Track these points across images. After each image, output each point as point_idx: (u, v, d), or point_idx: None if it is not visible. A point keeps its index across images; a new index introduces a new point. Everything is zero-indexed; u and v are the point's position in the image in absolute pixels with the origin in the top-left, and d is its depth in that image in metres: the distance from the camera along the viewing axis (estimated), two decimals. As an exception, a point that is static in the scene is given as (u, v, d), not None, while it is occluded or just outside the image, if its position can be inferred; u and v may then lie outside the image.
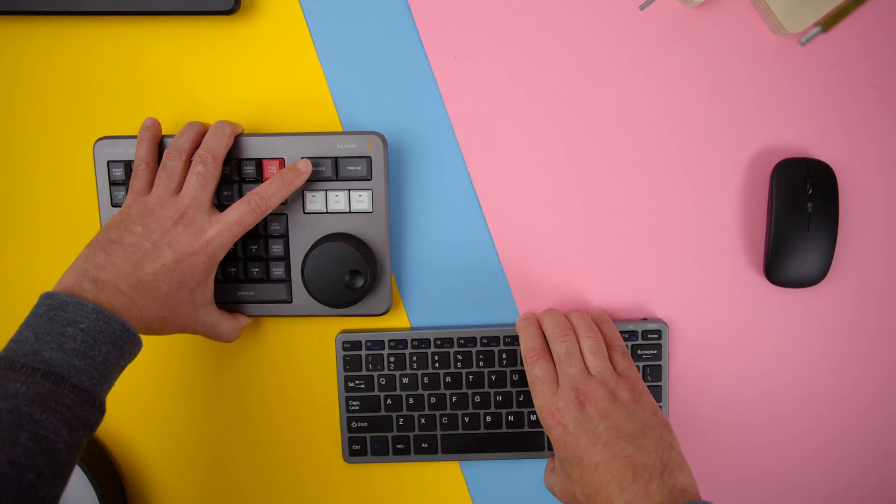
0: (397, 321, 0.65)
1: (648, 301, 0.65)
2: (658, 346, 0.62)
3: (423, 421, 0.63)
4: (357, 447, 0.63)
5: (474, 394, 0.63)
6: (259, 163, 0.59)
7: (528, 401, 0.63)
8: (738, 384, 0.65)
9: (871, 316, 0.64)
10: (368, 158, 0.59)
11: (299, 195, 0.60)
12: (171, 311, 0.52)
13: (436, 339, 0.62)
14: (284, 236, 0.60)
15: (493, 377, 0.63)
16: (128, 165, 0.60)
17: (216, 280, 0.60)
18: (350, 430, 0.63)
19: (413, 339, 0.62)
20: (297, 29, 0.62)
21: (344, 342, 0.63)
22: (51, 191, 0.64)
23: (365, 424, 0.63)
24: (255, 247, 0.60)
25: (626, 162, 0.64)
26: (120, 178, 0.60)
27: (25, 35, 0.63)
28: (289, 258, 0.61)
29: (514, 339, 0.62)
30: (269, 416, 0.66)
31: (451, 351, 0.62)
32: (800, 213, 0.60)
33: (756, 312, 0.64)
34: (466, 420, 0.63)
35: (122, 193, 0.60)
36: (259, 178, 0.59)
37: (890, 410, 0.65)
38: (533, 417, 0.63)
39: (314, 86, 0.63)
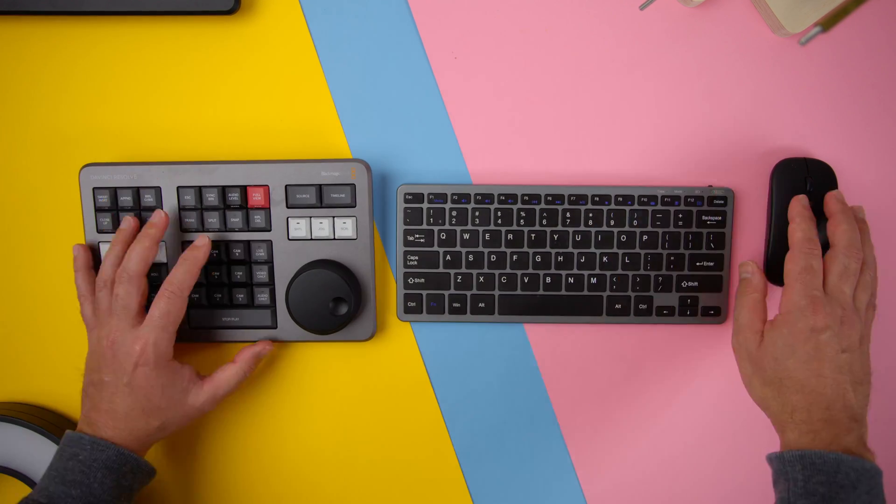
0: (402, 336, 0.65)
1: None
2: (723, 213, 0.61)
3: (481, 279, 0.62)
4: (413, 304, 0.63)
5: (535, 253, 0.62)
6: (244, 190, 0.60)
7: (589, 262, 0.62)
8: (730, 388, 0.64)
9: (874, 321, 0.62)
10: (352, 186, 0.59)
11: (283, 221, 0.60)
12: (160, 421, 0.56)
13: (500, 195, 0.61)
14: (269, 262, 0.61)
15: (556, 237, 0.62)
16: (113, 193, 0.60)
17: (200, 305, 0.62)
18: (407, 286, 0.62)
19: (476, 194, 0.61)
20: (297, 29, 0.62)
21: (406, 194, 0.61)
22: (48, 190, 0.64)
23: (422, 281, 0.62)
24: (241, 273, 0.61)
25: (626, 163, 0.64)
26: (105, 204, 0.60)
27: (25, 35, 0.63)
28: (273, 284, 0.61)
29: (580, 199, 0.61)
30: (274, 415, 0.66)
31: (515, 207, 0.61)
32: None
33: None
34: (525, 280, 0.62)
35: (107, 220, 0.61)
36: (244, 205, 0.60)
37: (890, 414, 0.64)
38: (594, 280, 0.62)
39: (314, 86, 0.63)
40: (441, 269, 0.62)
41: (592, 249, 0.62)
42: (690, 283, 0.62)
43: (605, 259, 0.62)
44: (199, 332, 0.63)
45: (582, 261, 0.62)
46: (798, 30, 0.59)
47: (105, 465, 0.52)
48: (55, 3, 0.59)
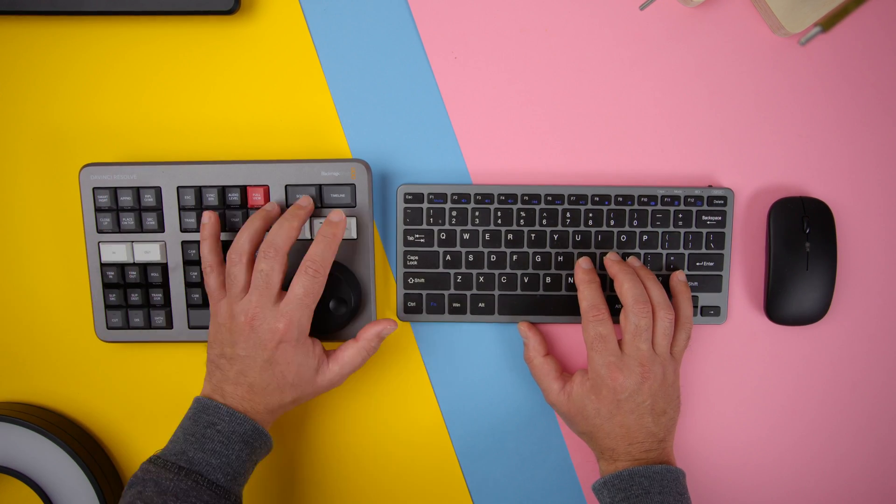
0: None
1: None
2: (723, 213, 0.61)
3: (481, 279, 0.62)
4: (413, 304, 0.62)
5: (535, 253, 0.62)
6: (244, 190, 0.60)
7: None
8: (739, 423, 0.65)
9: (873, 352, 0.64)
10: (353, 186, 0.59)
11: None
12: (293, 397, 0.56)
13: (499, 195, 0.61)
14: None
15: (556, 237, 0.62)
16: (113, 193, 0.60)
17: (198, 305, 0.61)
18: (406, 286, 0.62)
19: (476, 194, 0.61)
20: (297, 29, 0.62)
21: (406, 194, 0.61)
22: (48, 189, 0.64)
23: (422, 281, 0.62)
24: None
25: (626, 163, 0.64)
26: (105, 204, 0.60)
27: (25, 35, 0.63)
28: None
29: (580, 199, 0.61)
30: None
31: (515, 207, 0.61)
32: (798, 253, 0.61)
33: (756, 348, 0.64)
34: (526, 280, 0.62)
35: (108, 220, 0.60)
36: (244, 205, 0.60)
37: (891, 449, 0.64)
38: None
39: (314, 86, 0.63)
40: (441, 269, 0.62)
41: (592, 249, 0.62)
42: (690, 283, 0.62)
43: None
44: (199, 331, 0.62)
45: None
46: (798, 30, 0.59)
47: (242, 439, 0.53)
48: (55, 3, 0.59)
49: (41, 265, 0.64)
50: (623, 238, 0.62)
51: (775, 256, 0.61)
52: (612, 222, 0.61)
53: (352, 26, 0.62)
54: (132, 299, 0.61)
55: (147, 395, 0.66)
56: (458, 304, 0.62)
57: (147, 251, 0.60)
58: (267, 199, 0.60)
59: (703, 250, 0.62)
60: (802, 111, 0.62)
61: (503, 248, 0.62)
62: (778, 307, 0.61)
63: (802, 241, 0.61)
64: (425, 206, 0.61)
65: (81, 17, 0.62)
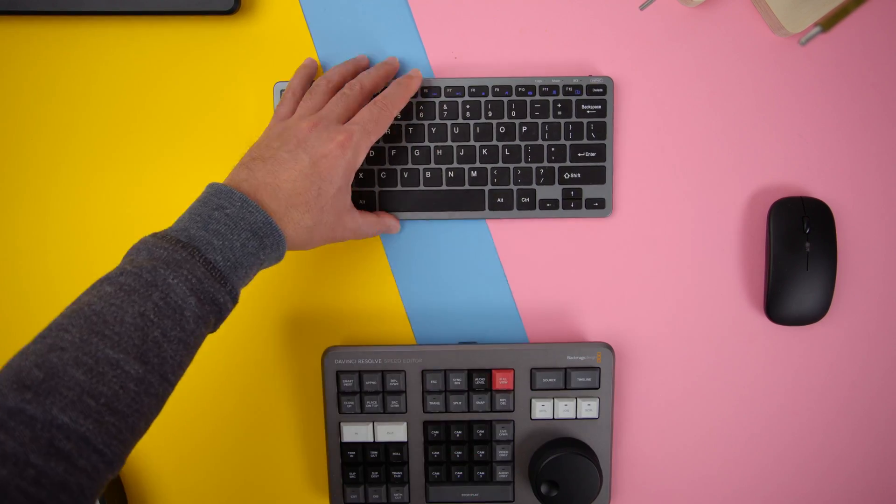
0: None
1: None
2: (603, 102, 0.60)
3: (360, 175, 0.60)
4: None
5: (414, 147, 0.60)
6: (489, 374, 0.60)
7: (468, 156, 0.60)
8: (736, 419, 0.64)
9: (873, 352, 0.63)
10: (598, 369, 0.60)
11: (527, 403, 0.60)
12: (314, 219, 0.51)
13: None
14: (511, 441, 0.61)
15: (434, 130, 0.60)
16: (358, 377, 0.60)
17: (440, 482, 0.61)
18: None
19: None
20: (297, 29, 0.62)
21: (282, 91, 0.60)
22: (50, 189, 0.64)
23: None
24: (483, 452, 0.61)
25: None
26: (350, 388, 0.60)
27: (26, 35, 0.62)
28: (513, 461, 0.61)
29: (456, 90, 0.60)
30: (256, 408, 0.65)
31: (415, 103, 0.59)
32: (798, 252, 0.60)
33: (756, 349, 0.63)
34: (405, 176, 0.60)
35: (352, 403, 0.60)
36: (488, 388, 0.60)
37: (890, 449, 0.64)
38: (474, 174, 0.60)
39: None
40: None
41: (472, 142, 0.60)
42: (573, 175, 0.60)
43: (484, 152, 0.60)
44: None
45: (461, 154, 0.60)
46: (798, 30, 0.58)
47: (251, 228, 0.48)
48: (55, 2, 0.59)
49: (43, 264, 0.63)
50: (502, 130, 0.60)
51: (775, 256, 0.60)
52: (489, 114, 0.60)
53: (352, 26, 0.62)
54: (372, 476, 0.61)
55: None
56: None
57: (390, 432, 0.61)
58: (512, 384, 0.60)
59: (585, 141, 0.60)
60: (802, 111, 0.62)
61: (381, 143, 0.60)
62: (778, 307, 0.61)
63: (803, 241, 0.60)
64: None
65: (80, 17, 0.62)
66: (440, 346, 0.60)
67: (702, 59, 0.61)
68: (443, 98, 0.60)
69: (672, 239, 0.63)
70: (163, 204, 0.63)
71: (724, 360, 0.64)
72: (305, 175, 0.50)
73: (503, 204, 0.61)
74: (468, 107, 0.60)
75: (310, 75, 0.59)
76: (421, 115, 0.60)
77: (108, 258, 0.64)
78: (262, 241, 0.48)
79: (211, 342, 0.64)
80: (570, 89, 0.60)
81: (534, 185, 0.60)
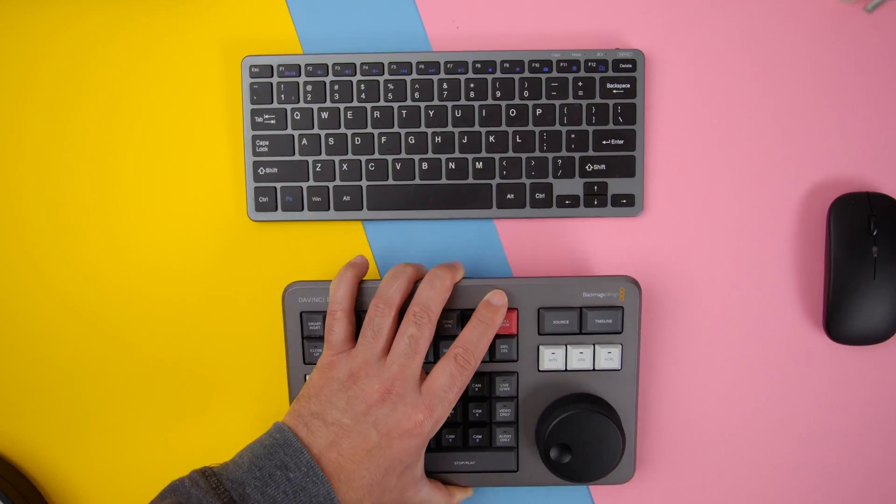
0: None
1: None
2: (632, 80, 0.56)
3: (345, 167, 0.56)
4: (265, 200, 0.57)
5: (408, 134, 0.56)
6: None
7: (473, 143, 0.57)
8: (789, 453, 0.60)
9: None
10: (621, 309, 0.55)
11: (534, 350, 0.55)
12: (374, 499, 0.48)
13: (363, 65, 0.55)
14: (514, 398, 0.56)
15: (431, 113, 0.56)
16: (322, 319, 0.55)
17: (427, 449, 0.56)
18: (257, 177, 0.56)
19: (336, 64, 0.55)
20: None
21: (251, 66, 0.56)
22: (44, 179, 0.59)
23: (274, 171, 0.56)
24: (479, 411, 0.56)
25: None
26: (316, 332, 0.55)
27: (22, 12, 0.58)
28: (517, 423, 0.56)
29: (458, 66, 0.56)
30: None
31: (381, 79, 0.56)
32: (863, 258, 0.56)
33: (814, 372, 0.60)
34: (398, 167, 0.56)
35: (312, 348, 0.55)
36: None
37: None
38: (480, 165, 0.56)
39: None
40: (297, 157, 0.57)
41: (477, 128, 0.57)
42: (597, 167, 0.57)
43: (491, 139, 0.57)
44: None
45: (464, 141, 0.56)
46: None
47: (310, 501, 0.45)
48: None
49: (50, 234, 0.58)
50: (512, 113, 0.56)
51: (836, 263, 0.56)
52: (497, 94, 0.56)
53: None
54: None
55: (61, 399, 0.60)
56: (318, 199, 0.57)
57: None
58: (516, 327, 0.55)
59: (611, 126, 0.57)
60: (869, 91, 0.58)
61: (369, 129, 0.56)
62: (840, 323, 0.57)
63: (869, 244, 0.56)
64: (275, 80, 0.56)
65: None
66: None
67: (749, 30, 0.58)
68: (442, 75, 0.56)
69: (713, 243, 0.59)
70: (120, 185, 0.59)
71: (776, 386, 0.60)
72: (373, 455, 0.47)
73: (514, 201, 0.57)
74: (472, 85, 0.56)
75: (357, 278, 0.53)
76: (417, 95, 0.56)
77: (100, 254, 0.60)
78: None
79: (151, 280, 0.60)
80: (594, 65, 0.56)
81: (550, 179, 0.57)
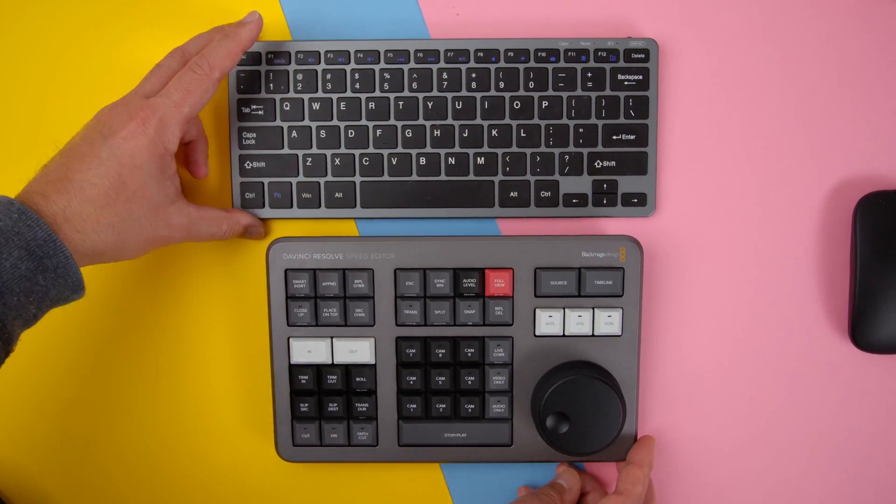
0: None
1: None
2: (644, 71, 0.55)
3: (337, 162, 0.56)
4: (251, 195, 0.56)
5: (405, 127, 0.56)
6: (482, 274, 0.54)
7: (474, 137, 0.56)
8: (817, 461, 0.59)
9: None
10: (622, 270, 0.54)
11: (530, 314, 0.54)
12: (119, 215, 0.46)
13: (357, 52, 0.54)
14: (509, 365, 0.55)
15: (430, 104, 0.55)
16: (312, 276, 0.55)
17: (415, 418, 0.55)
18: (243, 171, 0.55)
19: (329, 51, 0.55)
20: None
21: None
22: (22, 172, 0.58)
23: (262, 165, 0.55)
24: (472, 378, 0.55)
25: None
26: (302, 291, 0.55)
27: None
28: (512, 392, 0.56)
29: (459, 55, 0.55)
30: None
31: (377, 68, 0.55)
32: (891, 261, 0.56)
33: (838, 382, 0.59)
34: (394, 162, 0.56)
35: (304, 311, 0.55)
36: (481, 294, 0.55)
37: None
38: (481, 160, 0.56)
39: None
40: (286, 150, 0.56)
41: (478, 121, 0.56)
42: (607, 163, 0.56)
43: (494, 133, 0.56)
44: (411, 450, 0.56)
45: (465, 135, 0.56)
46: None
47: (27, 246, 0.42)
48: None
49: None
50: (516, 105, 0.55)
51: (863, 266, 0.55)
52: (501, 84, 0.55)
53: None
54: (330, 409, 0.56)
55: (27, 402, 0.58)
56: (308, 195, 0.56)
57: (353, 350, 0.55)
58: (511, 289, 0.54)
59: (622, 119, 0.56)
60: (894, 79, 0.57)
61: (363, 122, 0.56)
62: (866, 330, 0.56)
63: None
64: (263, 68, 0.55)
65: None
66: (418, 238, 0.55)
67: (769, 16, 0.57)
68: (441, 64, 0.55)
69: (730, 245, 0.58)
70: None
71: (796, 396, 0.59)
72: (102, 162, 0.46)
73: (518, 199, 0.56)
74: (474, 76, 0.55)
75: (251, 41, 0.52)
76: (414, 85, 0.55)
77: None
78: (39, 263, 0.42)
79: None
80: (604, 55, 0.55)
81: (556, 176, 0.56)
